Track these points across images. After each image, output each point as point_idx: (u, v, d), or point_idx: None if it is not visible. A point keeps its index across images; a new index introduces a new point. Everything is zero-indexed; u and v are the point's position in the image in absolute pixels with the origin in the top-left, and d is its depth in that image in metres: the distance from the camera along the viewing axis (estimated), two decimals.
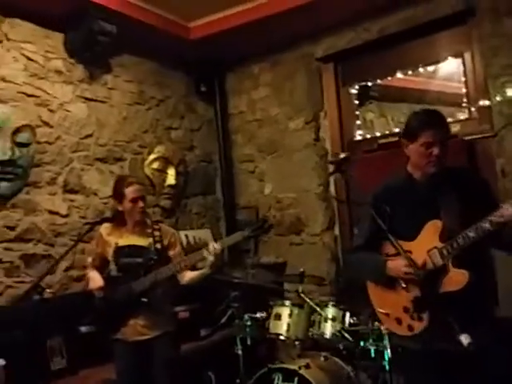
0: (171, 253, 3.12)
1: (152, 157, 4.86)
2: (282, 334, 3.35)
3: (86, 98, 4.36)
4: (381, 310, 2.30)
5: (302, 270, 3.59)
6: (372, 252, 2.36)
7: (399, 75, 4.71)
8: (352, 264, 2.48)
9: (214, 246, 2.86)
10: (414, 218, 2.24)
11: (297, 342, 3.40)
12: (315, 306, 3.28)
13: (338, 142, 4.92)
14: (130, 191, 3.06)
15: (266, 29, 4.66)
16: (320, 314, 3.27)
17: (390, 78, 4.82)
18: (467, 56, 4.24)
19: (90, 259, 3.17)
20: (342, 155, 2.37)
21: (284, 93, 5.14)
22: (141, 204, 3.07)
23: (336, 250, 4.88)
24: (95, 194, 4.40)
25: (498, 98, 3.94)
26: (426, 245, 2.17)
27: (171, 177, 4.99)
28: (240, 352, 3.53)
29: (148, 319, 3.00)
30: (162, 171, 4.94)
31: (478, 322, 2.15)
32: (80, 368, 3.47)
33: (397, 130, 4.80)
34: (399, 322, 2.23)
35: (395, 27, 4.43)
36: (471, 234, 2.03)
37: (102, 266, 3.15)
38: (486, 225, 1.99)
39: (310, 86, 4.98)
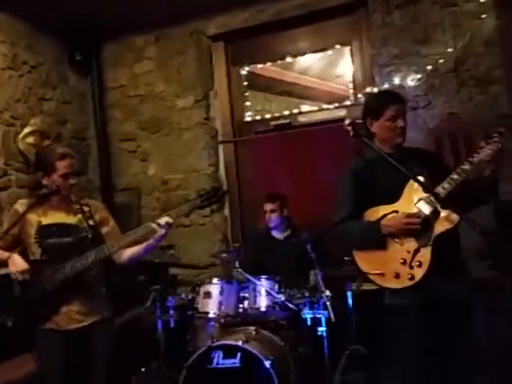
0: (105, 229, 2.79)
1: (27, 130, 4.29)
2: (213, 312, 3.25)
3: None
4: (375, 272, 2.34)
5: (237, 245, 3.51)
6: (358, 220, 2.42)
7: (288, 59, 4.86)
8: (342, 234, 2.46)
9: (166, 219, 2.63)
10: (392, 183, 2.35)
11: (223, 320, 3.33)
12: (254, 280, 3.24)
13: (228, 122, 4.90)
14: (62, 165, 2.64)
15: None
16: (254, 289, 3.24)
17: (279, 62, 4.95)
18: (355, 44, 4.56)
19: None
20: (348, 121, 2.36)
21: (171, 69, 4.93)
22: (72, 181, 2.68)
23: (226, 231, 4.88)
24: None
25: (385, 86, 4.31)
26: (412, 199, 2.32)
27: None
28: (162, 337, 3.34)
29: (83, 305, 2.65)
30: (38, 146, 4.36)
31: (464, 269, 2.40)
32: None
33: (286, 112, 4.95)
34: (398, 276, 2.30)
35: (291, 11, 4.55)
36: (455, 177, 2.24)
37: (13, 248, 2.68)
38: (467, 166, 2.24)
39: (200, 63, 4.86)
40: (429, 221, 2.27)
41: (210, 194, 2.68)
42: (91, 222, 2.72)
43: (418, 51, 4.20)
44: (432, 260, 2.24)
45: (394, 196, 2.37)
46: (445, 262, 2.24)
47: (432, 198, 2.27)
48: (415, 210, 2.31)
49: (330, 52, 4.76)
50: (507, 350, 3.18)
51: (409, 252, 2.29)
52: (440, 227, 2.26)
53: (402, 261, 2.29)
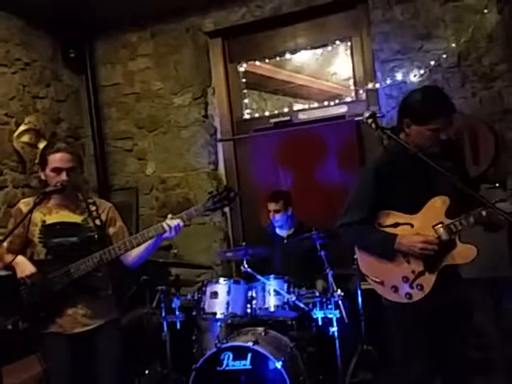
0: (111, 230, 2.69)
1: (22, 128, 4.17)
2: (221, 313, 3.17)
3: None
4: (375, 279, 2.28)
5: (243, 243, 3.43)
6: (371, 226, 2.30)
7: (288, 56, 4.80)
8: (352, 237, 2.37)
9: (176, 220, 2.53)
10: (415, 193, 2.25)
11: (230, 321, 3.25)
12: (264, 280, 3.17)
13: (227, 119, 4.82)
14: (53, 159, 2.55)
15: None
16: (263, 288, 3.17)
17: (276, 59, 4.89)
18: (355, 40, 4.51)
19: (4, 243, 2.55)
20: (367, 114, 2.27)
21: (168, 66, 4.83)
22: (63, 176, 2.55)
23: (227, 230, 4.80)
24: None
25: (388, 82, 4.26)
26: (431, 219, 2.21)
27: None
28: (167, 338, 3.25)
29: (89, 307, 2.56)
30: (33, 146, 4.26)
31: (460, 278, 2.35)
32: None
33: (286, 109, 4.89)
34: (396, 289, 2.24)
35: (288, 7, 4.48)
36: (484, 212, 2.13)
37: (22, 249, 2.57)
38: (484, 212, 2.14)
39: (197, 60, 4.77)
40: (442, 247, 2.19)
41: (222, 196, 2.58)
42: (98, 222, 2.62)
43: (421, 47, 4.16)
44: (434, 285, 2.19)
45: (413, 206, 2.25)
46: (445, 281, 2.20)
47: (453, 227, 2.17)
48: (431, 232, 2.20)
49: (329, 48, 4.69)
50: None
51: (413, 272, 2.22)
52: (453, 259, 2.19)
53: (404, 279, 2.22)
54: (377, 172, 2.30)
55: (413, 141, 2.26)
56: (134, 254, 2.66)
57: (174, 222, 2.51)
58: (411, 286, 2.22)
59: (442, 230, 2.19)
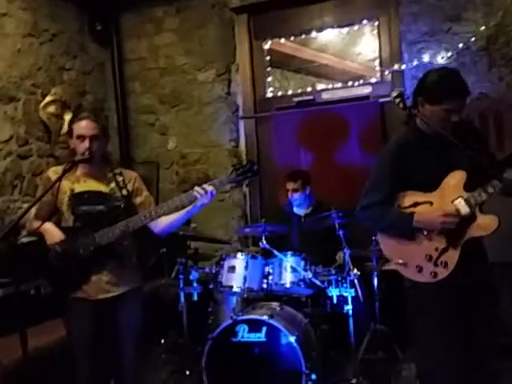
0: (138, 199, 2.72)
1: (48, 99, 4.24)
2: (237, 287, 3.22)
3: None
4: (399, 261, 2.26)
5: (263, 220, 3.47)
6: (390, 206, 2.29)
7: (313, 34, 4.76)
8: (371, 219, 2.35)
9: (210, 187, 2.51)
10: (431, 171, 2.24)
11: (246, 295, 3.31)
12: (281, 256, 3.21)
13: (250, 97, 4.81)
14: (77, 126, 2.59)
15: None
16: (280, 264, 3.21)
17: (304, 37, 4.86)
18: (383, 20, 4.45)
19: (33, 210, 2.60)
20: (395, 93, 2.24)
21: (193, 41, 4.84)
22: (86, 144, 2.57)
23: (245, 207, 4.84)
24: None
25: (414, 63, 4.22)
26: (450, 195, 2.19)
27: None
28: (184, 309, 3.32)
29: (113, 274, 2.61)
30: (59, 116, 4.33)
31: (485, 257, 2.33)
32: None
33: (309, 88, 4.87)
34: (420, 269, 2.23)
35: None
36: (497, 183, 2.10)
37: (49, 217, 2.62)
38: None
39: (222, 36, 4.77)
40: (463, 221, 2.17)
41: (246, 169, 2.54)
42: (124, 192, 2.66)
43: (449, 29, 4.10)
44: (458, 261, 2.17)
45: (430, 184, 2.24)
46: (469, 258, 2.17)
47: (472, 200, 2.15)
48: (451, 207, 2.18)
49: (355, 27, 4.64)
50: None
51: (436, 249, 2.20)
52: (474, 232, 2.16)
53: (427, 257, 2.21)
54: (397, 151, 2.29)
55: (425, 119, 2.24)
56: (164, 222, 2.65)
57: (209, 188, 2.52)
58: (435, 264, 2.20)
59: (461, 203, 2.17)
